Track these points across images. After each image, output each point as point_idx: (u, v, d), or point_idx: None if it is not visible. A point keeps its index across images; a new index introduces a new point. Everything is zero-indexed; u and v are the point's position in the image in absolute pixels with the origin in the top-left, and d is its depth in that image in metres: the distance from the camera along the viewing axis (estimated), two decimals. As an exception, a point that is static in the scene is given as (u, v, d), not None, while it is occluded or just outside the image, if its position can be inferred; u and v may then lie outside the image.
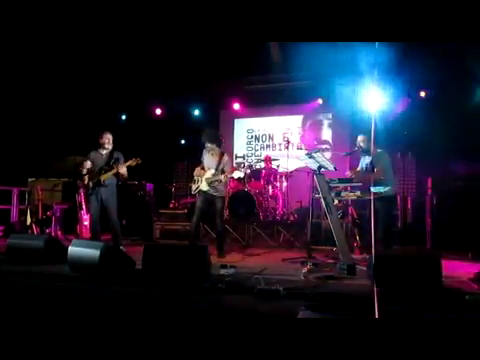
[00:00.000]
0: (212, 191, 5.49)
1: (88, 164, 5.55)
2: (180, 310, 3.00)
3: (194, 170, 5.78)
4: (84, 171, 5.55)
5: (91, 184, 5.48)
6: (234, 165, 8.95)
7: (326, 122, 9.30)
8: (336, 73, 8.70)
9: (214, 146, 5.64)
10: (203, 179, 5.52)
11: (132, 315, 3.09)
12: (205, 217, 6.14)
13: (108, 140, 5.63)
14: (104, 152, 5.65)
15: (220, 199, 5.58)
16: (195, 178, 5.70)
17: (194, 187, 5.68)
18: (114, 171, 5.50)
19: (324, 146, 9.15)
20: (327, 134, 9.29)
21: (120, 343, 2.97)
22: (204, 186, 5.50)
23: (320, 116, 9.34)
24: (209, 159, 5.63)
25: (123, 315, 3.11)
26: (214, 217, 5.65)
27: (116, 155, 5.64)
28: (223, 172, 5.45)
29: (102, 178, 5.46)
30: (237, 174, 5.45)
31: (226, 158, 5.58)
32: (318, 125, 9.38)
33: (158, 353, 2.87)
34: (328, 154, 7.90)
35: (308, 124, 9.44)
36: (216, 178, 5.42)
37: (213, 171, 5.47)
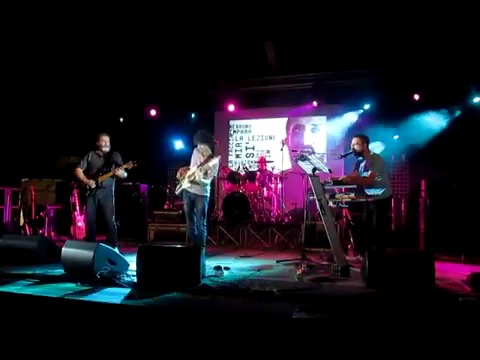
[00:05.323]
0: (193, 189, 5.31)
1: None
2: (174, 311, 2.99)
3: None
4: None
5: (88, 186, 5.46)
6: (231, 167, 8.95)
7: (320, 124, 9.31)
8: (332, 75, 8.76)
9: (207, 147, 5.49)
10: (185, 177, 5.33)
11: (126, 316, 3.08)
12: None
13: (105, 142, 5.62)
14: (102, 154, 5.64)
15: (201, 198, 5.33)
16: (178, 178, 5.50)
17: (177, 187, 5.51)
18: (111, 173, 5.50)
19: (318, 150, 9.16)
20: (322, 136, 9.30)
21: (115, 344, 2.96)
22: (185, 184, 5.30)
23: (314, 118, 9.36)
24: (197, 158, 5.45)
25: (117, 316, 3.09)
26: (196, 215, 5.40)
27: (114, 156, 5.63)
28: (205, 173, 5.22)
29: (99, 180, 5.45)
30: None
31: (215, 160, 5.28)
32: (312, 127, 9.39)
33: (154, 354, 2.86)
34: (323, 156, 7.93)
35: (302, 126, 9.45)
36: (193, 172, 5.21)
37: (195, 167, 5.28)
